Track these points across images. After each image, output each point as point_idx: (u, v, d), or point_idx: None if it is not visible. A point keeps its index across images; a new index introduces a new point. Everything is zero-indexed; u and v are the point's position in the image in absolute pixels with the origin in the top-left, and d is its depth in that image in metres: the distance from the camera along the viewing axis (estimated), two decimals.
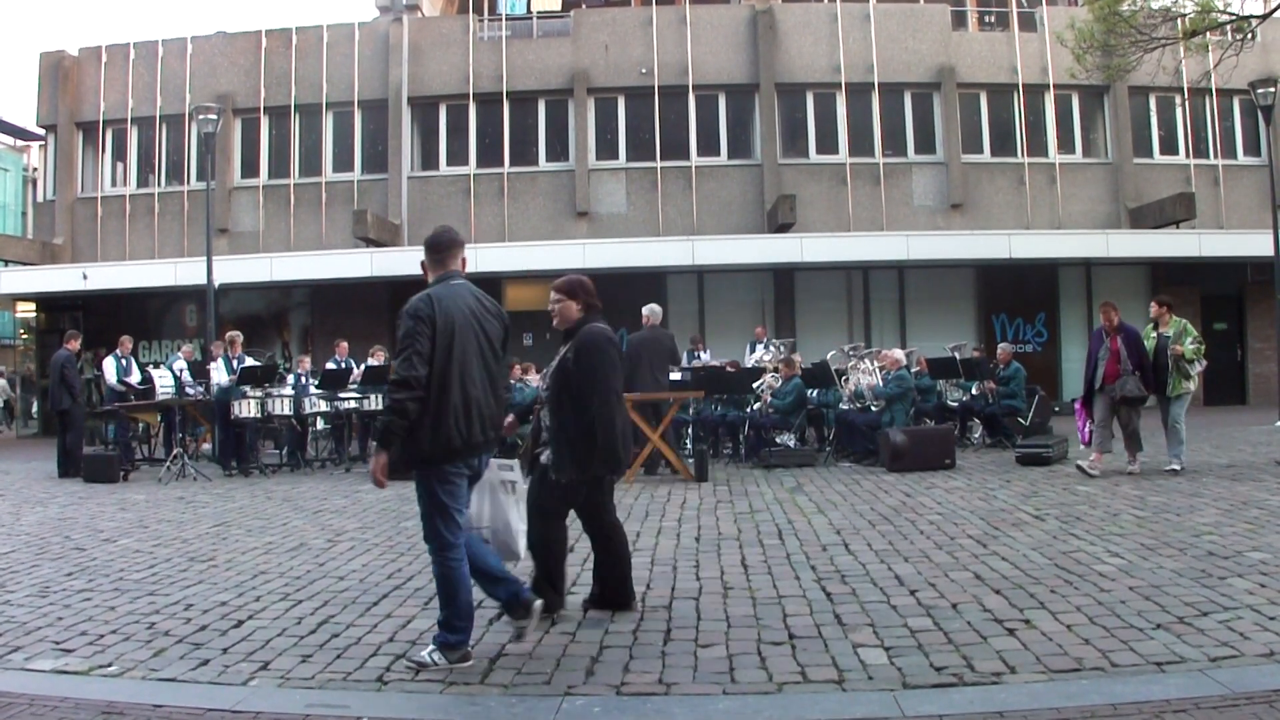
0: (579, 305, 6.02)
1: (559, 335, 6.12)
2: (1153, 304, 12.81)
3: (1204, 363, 12.44)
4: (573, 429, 5.77)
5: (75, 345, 16.00)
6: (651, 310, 13.93)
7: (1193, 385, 12.25)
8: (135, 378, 16.37)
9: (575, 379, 5.78)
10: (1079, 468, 11.92)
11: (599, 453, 5.69)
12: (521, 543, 5.72)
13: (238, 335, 16.37)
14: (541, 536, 5.96)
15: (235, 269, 22.59)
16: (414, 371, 4.90)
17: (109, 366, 16.40)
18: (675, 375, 14.26)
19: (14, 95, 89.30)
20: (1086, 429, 12.57)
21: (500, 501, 5.58)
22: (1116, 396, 11.93)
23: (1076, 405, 13.27)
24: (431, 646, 5.12)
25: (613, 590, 6.14)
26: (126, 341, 16.82)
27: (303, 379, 16.60)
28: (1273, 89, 19.72)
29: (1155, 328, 12.38)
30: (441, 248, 5.39)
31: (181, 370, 16.85)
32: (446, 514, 5.08)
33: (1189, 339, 12.11)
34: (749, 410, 15.45)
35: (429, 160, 25.87)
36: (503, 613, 5.58)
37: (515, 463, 5.72)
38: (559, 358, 5.97)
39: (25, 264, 25.45)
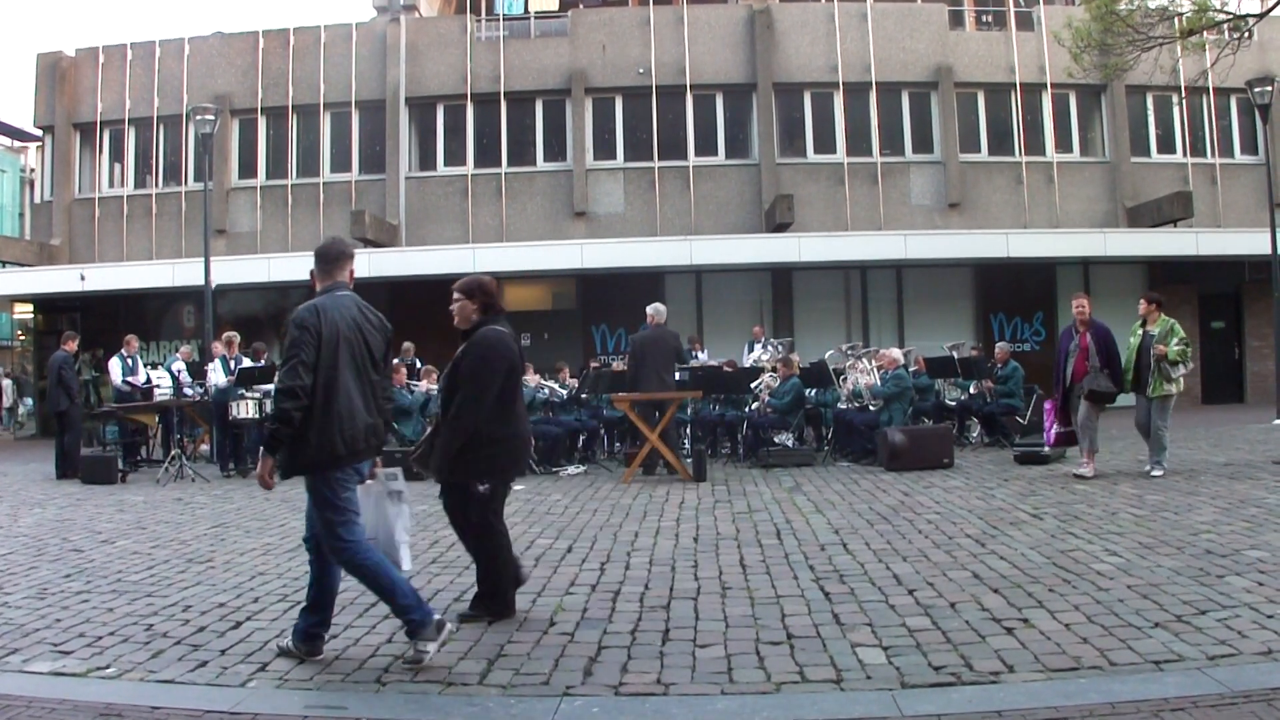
0: (477, 306, 6.15)
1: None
2: (1141, 300, 12.21)
3: (1189, 365, 11.75)
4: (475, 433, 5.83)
5: (73, 346, 15.99)
6: (655, 309, 13.93)
7: (1175, 388, 11.55)
8: (140, 378, 16.32)
9: (462, 381, 5.87)
10: (1076, 477, 11.43)
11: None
12: (406, 554, 5.74)
13: (235, 335, 16.33)
14: (484, 546, 6.00)
15: (233, 270, 22.57)
16: (299, 381, 5.01)
17: (114, 366, 16.36)
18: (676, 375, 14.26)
19: (11, 96, 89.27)
20: (1053, 430, 12.38)
21: (386, 512, 5.60)
22: (1083, 392, 11.62)
23: (1046, 406, 13.02)
24: (412, 640, 5.19)
25: (485, 591, 6.11)
26: (132, 341, 16.75)
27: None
28: (1270, 88, 19.73)
29: (1142, 325, 11.86)
30: (331, 259, 5.49)
31: (180, 371, 16.85)
32: (342, 516, 5.19)
33: (1175, 339, 11.44)
34: (747, 410, 15.47)
35: (426, 160, 25.86)
36: (489, 619, 5.58)
37: (399, 471, 5.73)
38: (453, 360, 6.00)
39: (22, 265, 25.44)
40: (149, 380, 16.38)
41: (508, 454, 6.01)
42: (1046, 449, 13.00)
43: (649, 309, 13.97)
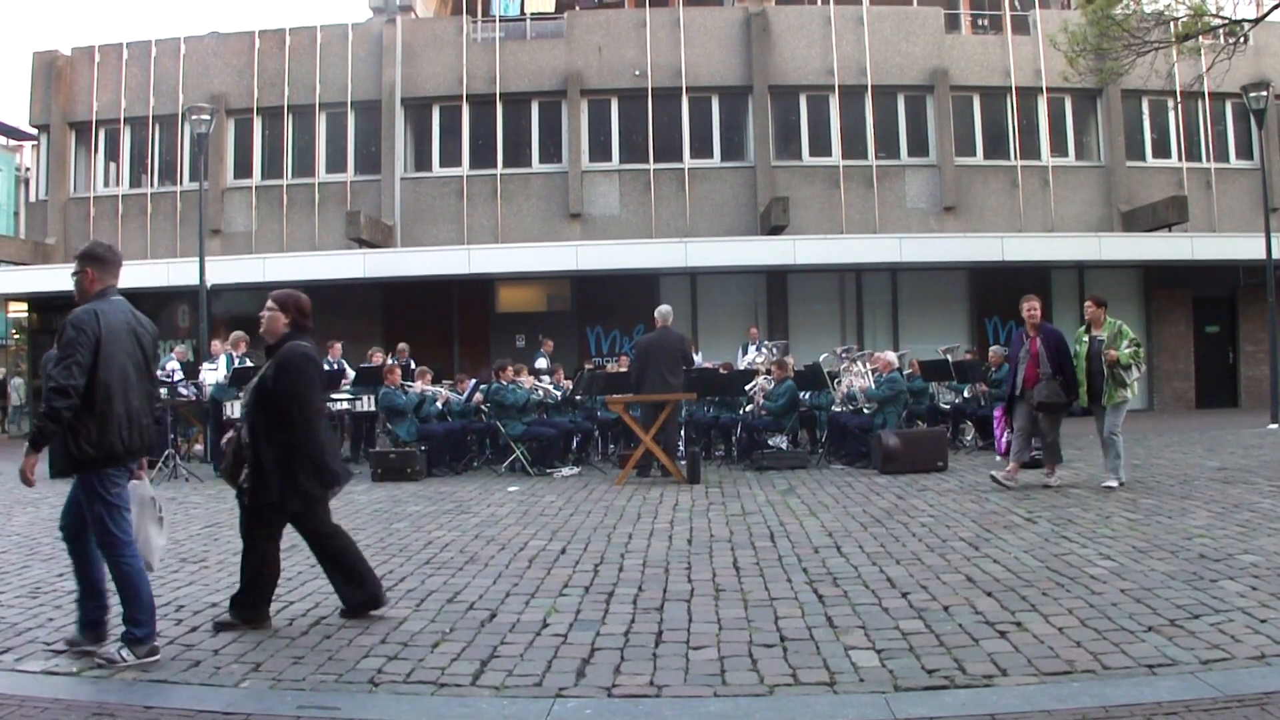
0: (287, 320, 6.10)
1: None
2: (1087, 303, 11.65)
3: (1143, 368, 11.34)
4: (273, 448, 5.85)
5: None
6: (660, 312, 13.95)
7: (1130, 394, 11.01)
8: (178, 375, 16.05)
9: (274, 398, 5.87)
10: (993, 479, 11.10)
11: (312, 470, 5.86)
12: (157, 556, 5.86)
13: (244, 335, 16.28)
14: (250, 559, 6.00)
15: (228, 270, 22.54)
16: (73, 380, 5.17)
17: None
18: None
19: (7, 94, 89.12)
20: (1004, 439, 12.13)
21: (142, 515, 5.68)
22: (1034, 402, 11.11)
23: (996, 413, 12.80)
24: (120, 644, 5.27)
25: (353, 591, 6.15)
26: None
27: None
28: (1265, 93, 19.79)
29: (1088, 330, 11.30)
30: (110, 261, 5.63)
31: (174, 371, 16.82)
32: (115, 513, 5.34)
33: (1125, 342, 10.91)
34: (741, 412, 15.47)
35: (422, 161, 25.85)
36: (494, 614, 5.56)
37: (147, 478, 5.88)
38: (259, 374, 6.04)
39: (17, 264, 25.39)
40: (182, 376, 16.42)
41: (335, 460, 6.14)
42: (997, 457, 12.85)
43: (656, 311, 14.01)
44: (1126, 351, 10.84)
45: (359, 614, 6.08)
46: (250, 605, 5.95)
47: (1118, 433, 10.99)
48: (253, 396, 6.02)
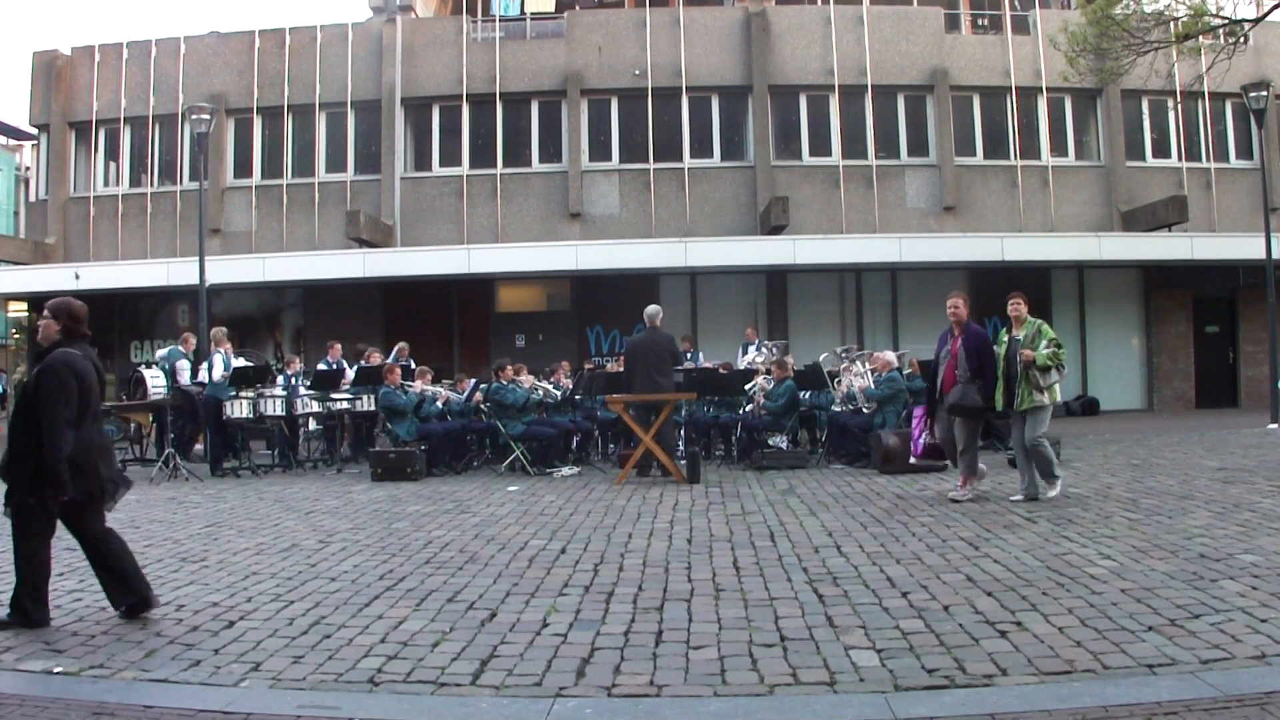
0: (59, 327, 6.29)
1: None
2: (1011, 300, 10.69)
3: (1065, 370, 10.31)
4: (30, 450, 5.96)
5: None
6: (648, 313, 13.95)
7: (1048, 398, 10.12)
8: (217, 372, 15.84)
9: (34, 402, 6.02)
10: (952, 500, 10.24)
11: (44, 475, 5.91)
12: None
13: (222, 331, 16.27)
14: (21, 556, 6.11)
15: (228, 269, 22.54)
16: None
17: (184, 367, 16.31)
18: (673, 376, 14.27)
19: (7, 94, 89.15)
20: (920, 440, 11.56)
21: None
22: (946, 406, 10.51)
23: (916, 413, 12.19)
24: None
25: (122, 593, 6.26)
26: (190, 338, 16.70)
27: (293, 380, 16.54)
28: (1265, 92, 19.79)
29: (1010, 330, 10.53)
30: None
31: (182, 370, 16.85)
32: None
33: (1044, 342, 10.13)
34: (741, 412, 15.47)
35: (422, 161, 25.84)
36: (494, 613, 5.57)
37: None
38: (27, 379, 6.19)
39: (17, 264, 25.38)
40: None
41: (78, 472, 6.08)
42: (913, 460, 12.43)
43: (644, 312, 14.00)
44: (1044, 352, 10.04)
45: (134, 615, 6.20)
46: (25, 608, 6.06)
47: (1040, 441, 10.08)
48: (18, 400, 6.22)
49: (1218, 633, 5.29)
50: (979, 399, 10.28)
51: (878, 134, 25.01)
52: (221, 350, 15.86)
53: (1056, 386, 10.23)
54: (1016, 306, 10.53)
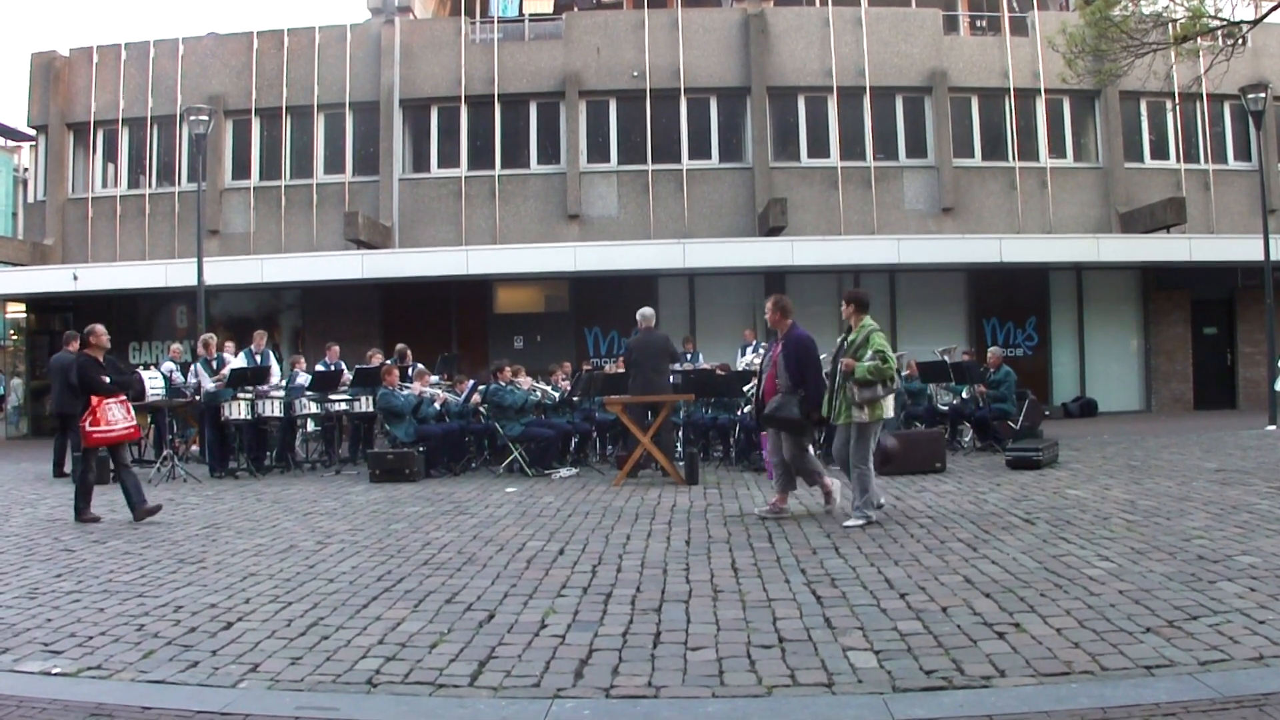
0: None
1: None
2: (844, 301, 9.94)
3: (894, 384, 9.31)
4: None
5: (75, 347, 16.09)
6: (642, 315, 13.94)
7: (868, 415, 9.09)
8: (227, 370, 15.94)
9: None
10: (759, 517, 9.58)
11: None
12: None
13: (211, 337, 16.24)
14: None
15: (226, 270, 22.55)
16: None
17: (202, 370, 16.33)
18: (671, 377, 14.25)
19: (5, 95, 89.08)
20: (770, 460, 10.34)
21: None
22: (762, 418, 9.83)
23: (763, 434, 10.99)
24: None
25: None
26: (211, 342, 16.71)
27: (298, 380, 16.50)
28: (1263, 94, 19.83)
29: (846, 334, 9.63)
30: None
31: (171, 371, 16.82)
32: None
33: (869, 351, 9.12)
34: (739, 413, 15.44)
35: (420, 162, 25.84)
36: (493, 615, 5.57)
37: None
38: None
39: (15, 265, 25.36)
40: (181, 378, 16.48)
41: None
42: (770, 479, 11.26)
43: (638, 314, 14.00)
44: (865, 364, 9.04)
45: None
46: None
47: (862, 464, 9.13)
48: None
49: (1216, 634, 5.28)
50: (796, 410, 9.40)
51: (876, 135, 25.03)
52: (222, 353, 15.85)
53: (885, 403, 9.19)
54: (846, 310, 9.70)
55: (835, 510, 9.69)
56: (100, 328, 10.89)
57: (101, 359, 10.72)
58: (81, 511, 10.37)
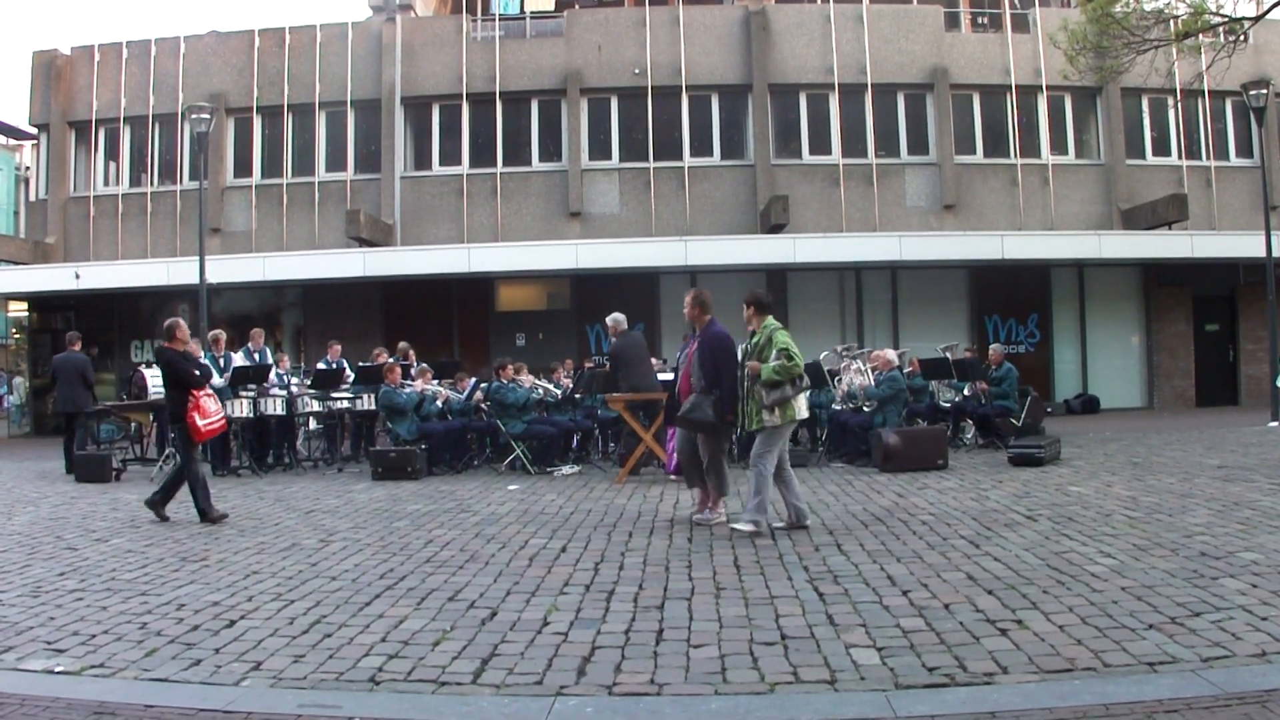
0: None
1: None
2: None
3: (801, 384, 8.72)
4: None
5: (79, 347, 16.32)
6: (615, 319, 13.80)
7: (779, 417, 8.62)
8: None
9: None
10: (695, 522, 9.23)
11: None
12: None
13: (221, 334, 16.28)
14: None
15: (228, 269, 22.56)
16: None
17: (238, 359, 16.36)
18: (668, 375, 14.23)
19: (7, 94, 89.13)
20: (675, 456, 10.14)
21: None
22: (676, 419, 9.46)
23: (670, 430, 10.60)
24: None
25: None
26: (221, 339, 16.74)
27: (284, 378, 16.47)
28: (1265, 91, 19.81)
29: (751, 337, 9.07)
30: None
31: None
32: None
33: (773, 352, 8.64)
34: None
35: (422, 160, 25.84)
36: (495, 612, 5.58)
37: None
38: None
39: (17, 263, 25.39)
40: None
41: None
42: (672, 477, 11.13)
43: (609, 320, 13.86)
44: (770, 365, 8.58)
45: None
46: None
47: (762, 466, 8.66)
48: None
49: (1218, 630, 5.28)
50: (710, 411, 9.00)
51: (877, 132, 25.01)
52: (229, 352, 15.88)
53: (796, 403, 8.70)
54: (747, 313, 9.11)
55: (712, 520, 9.21)
56: (181, 321, 10.69)
57: (183, 352, 10.58)
58: (207, 511, 10.01)
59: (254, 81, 25.65)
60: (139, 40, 26.58)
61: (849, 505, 10.06)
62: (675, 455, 9.94)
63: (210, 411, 10.31)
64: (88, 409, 15.97)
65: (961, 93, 25.28)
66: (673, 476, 10.92)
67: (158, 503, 10.23)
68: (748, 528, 8.45)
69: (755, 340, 8.86)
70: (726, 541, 8.21)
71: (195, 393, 10.20)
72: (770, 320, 8.96)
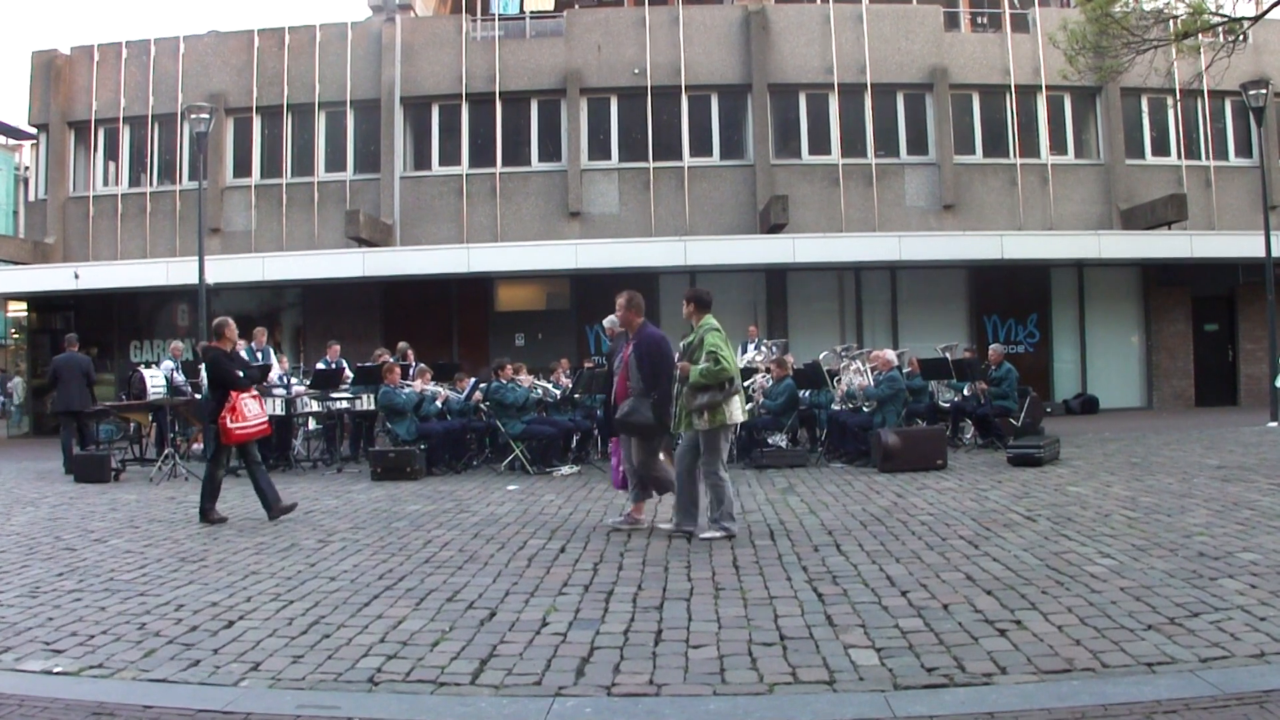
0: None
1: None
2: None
3: (733, 385, 8.46)
4: None
5: (78, 348, 16.52)
6: (611, 322, 13.79)
7: (707, 421, 8.39)
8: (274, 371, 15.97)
9: None
10: (613, 528, 9.01)
11: None
12: None
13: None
14: None
15: (227, 269, 22.55)
16: None
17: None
18: None
19: (6, 94, 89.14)
20: (620, 469, 9.61)
21: None
22: (614, 422, 9.24)
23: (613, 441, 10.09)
24: None
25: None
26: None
27: (283, 378, 16.47)
28: (1264, 90, 19.79)
29: (688, 335, 8.91)
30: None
31: (171, 370, 16.83)
32: None
33: (705, 352, 8.39)
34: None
35: (421, 160, 25.84)
36: (494, 613, 5.58)
37: None
38: None
39: (16, 263, 25.37)
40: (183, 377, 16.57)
41: None
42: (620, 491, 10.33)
43: (604, 323, 13.85)
44: (701, 366, 8.36)
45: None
46: None
47: (713, 469, 8.50)
48: None
49: (1217, 631, 5.29)
50: (649, 414, 8.76)
51: (877, 132, 25.01)
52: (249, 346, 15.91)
53: (730, 407, 8.46)
54: (686, 310, 8.97)
55: (634, 526, 9.02)
56: (230, 320, 10.62)
57: (230, 352, 10.53)
58: (208, 512, 9.99)
59: (253, 81, 25.65)
60: (138, 40, 26.57)
61: (848, 505, 10.07)
62: (621, 469, 9.57)
63: (248, 415, 10.15)
64: (89, 409, 16.06)
65: (961, 93, 25.28)
66: (618, 490, 10.29)
67: (207, 510, 10.12)
68: (718, 534, 8.34)
69: (689, 340, 8.70)
70: (724, 542, 8.21)
71: (235, 394, 10.08)
72: (708, 319, 8.75)
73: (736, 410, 8.59)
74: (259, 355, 16.21)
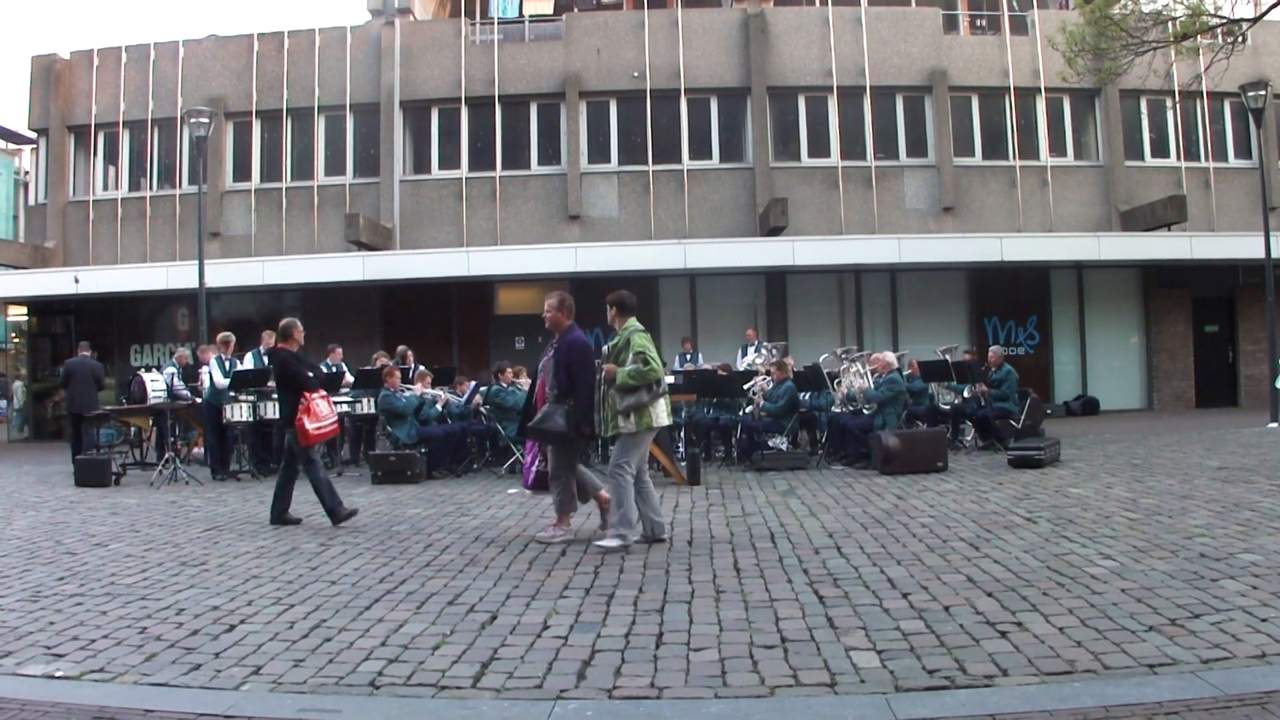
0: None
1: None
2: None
3: (659, 389, 8.40)
4: None
5: (87, 353, 16.74)
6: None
7: (635, 424, 8.29)
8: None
9: None
10: (537, 539, 8.77)
11: None
12: None
13: (230, 336, 16.26)
14: None
15: (227, 272, 22.56)
16: None
17: (215, 368, 16.35)
18: (669, 378, 14.24)
19: (6, 98, 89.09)
20: (533, 469, 9.60)
21: None
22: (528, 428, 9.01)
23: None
24: None
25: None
26: (230, 341, 16.74)
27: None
28: (1263, 92, 19.82)
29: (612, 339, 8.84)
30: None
31: (172, 375, 16.81)
32: None
33: (633, 353, 8.32)
34: (741, 413, 15.45)
35: (421, 164, 25.83)
36: (495, 616, 5.58)
37: None
38: None
39: (16, 268, 25.36)
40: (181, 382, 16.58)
41: None
42: (527, 491, 10.71)
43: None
44: (628, 369, 8.26)
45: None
46: None
47: (620, 474, 8.32)
48: None
49: (1218, 632, 5.29)
50: (562, 421, 8.48)
51: (876, 135, 25.01)
52: (217, 355, 15.85)
53: (655, 410, 8.37)
54: (610, 314, 8.82)
55: (555, 538, 8.76)
56: (297, 322, 10.51)
57: (298, 353, 10.45)
58: (335, 513, 9.83)
59: (253, 85, 25.65)
60: (138, 44, 26.57)
61: (849, 508, 10.07)
62: (534, 469, 9.48)
63: (322, 415, 10.05)
64: (96, 411, 16.20)
65: (960, 95, 25.28)
66: (528, 490, 10.35)
67: (282, 513, 10.10)
68: (614, 543, 8.11)
69: (614, 342, 8.58)
70: (726, 545, 8.22)
71: (308, 395, 9.97)
72: (632, 322, 8.65)
73: (662, 413, 8.51)
74: (266, 359, 16.18)
